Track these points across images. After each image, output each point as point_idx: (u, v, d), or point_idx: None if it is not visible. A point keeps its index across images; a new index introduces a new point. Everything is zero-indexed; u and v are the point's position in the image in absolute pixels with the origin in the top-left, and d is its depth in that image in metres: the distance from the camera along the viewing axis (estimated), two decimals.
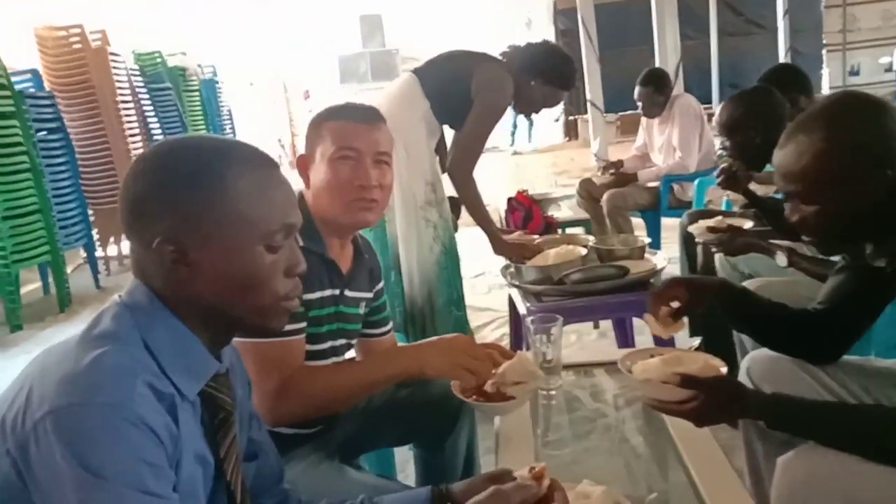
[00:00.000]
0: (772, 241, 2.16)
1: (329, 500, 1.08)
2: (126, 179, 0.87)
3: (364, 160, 1.40)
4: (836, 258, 1.45)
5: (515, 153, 12.21)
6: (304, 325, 1.35)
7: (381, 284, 1.61)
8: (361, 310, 1.53)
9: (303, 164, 1.46)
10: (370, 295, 1.56)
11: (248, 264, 0.87)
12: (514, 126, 12.91)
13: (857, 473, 1.09)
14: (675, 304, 1.38)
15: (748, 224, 2.44)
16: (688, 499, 1.18)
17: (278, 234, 0.88)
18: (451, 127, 2.56)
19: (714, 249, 2.39)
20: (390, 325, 1.66)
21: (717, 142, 4.36)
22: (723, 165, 2.55)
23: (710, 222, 2.36)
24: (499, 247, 2.47)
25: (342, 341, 1.49)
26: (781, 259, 2.04)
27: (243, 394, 1.02)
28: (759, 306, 1.43)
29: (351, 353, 1.61)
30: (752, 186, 2.55)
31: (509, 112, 2.65)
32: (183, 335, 0.86)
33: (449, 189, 2.54)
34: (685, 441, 1.29)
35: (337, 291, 1.44)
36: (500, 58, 2.56)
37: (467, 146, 2.47)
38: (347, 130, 1.41)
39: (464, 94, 2.43)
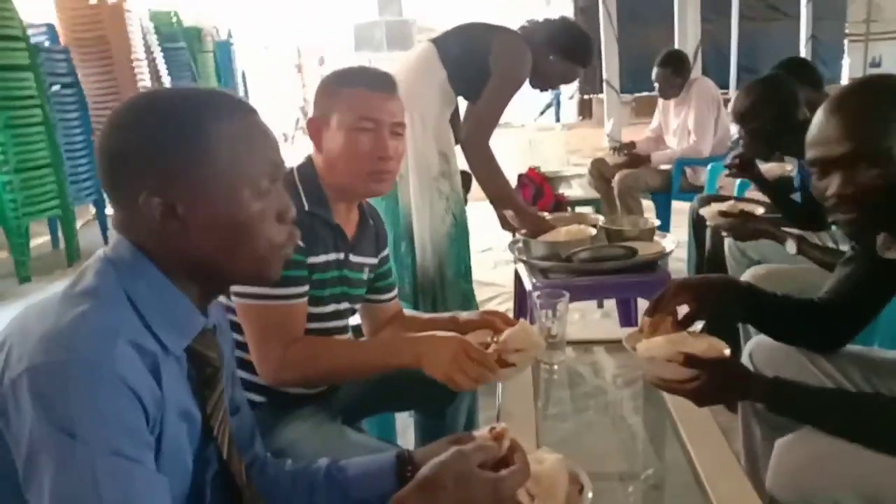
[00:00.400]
0: (783, 228, 2.16)
1: (295, 464, 1.08)
2: (104, 133, 0.84)
3: (383, 131, 1.39)
4: (845, 248, 1.44)
5: (522, 125, 12.12)
6: (306, 288, 1.36)
7: (386, 251, 1.62)
8: (365, 275, 1.54)
9: (315, 128, 1.44)
10: (375, 261, 1.56)
11: (238, 212, 0.85)
12: (550, 104, 12.81)
13: (855, 458, 1.10)
14: (683, 309, 1.35)
15: (760, 210, 2.43)
16: (683, 476, 1.20)
17: (264, 179, 0.87)
18: (466, 98, 2.54)
19: (724, 234, 2.39)
20: (395, 291, 1.66)
21: (734, 128, 4.35)
22: (733, 153, 2.54)
23: (723, 206, 2.36)
24: (518, 218, 2.43)
25: (346, 305, 1.50)
26: (791, 246, 2.04)
27: (229, 353, 1.02)
28: (764, 300, 1.42)
29: (355, 319, 1.62)
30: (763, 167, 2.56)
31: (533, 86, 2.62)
32: (168, 290, 0.85)
33: (460, 163, 2.53)
34: (684, 420, 1.30)
35: (341, 256, 1.45)
36: (517, 31, 2.54)
37: (483, 118, 2.44)
38: (367, 100, 1.39)
39: (481, 64, 2.40)
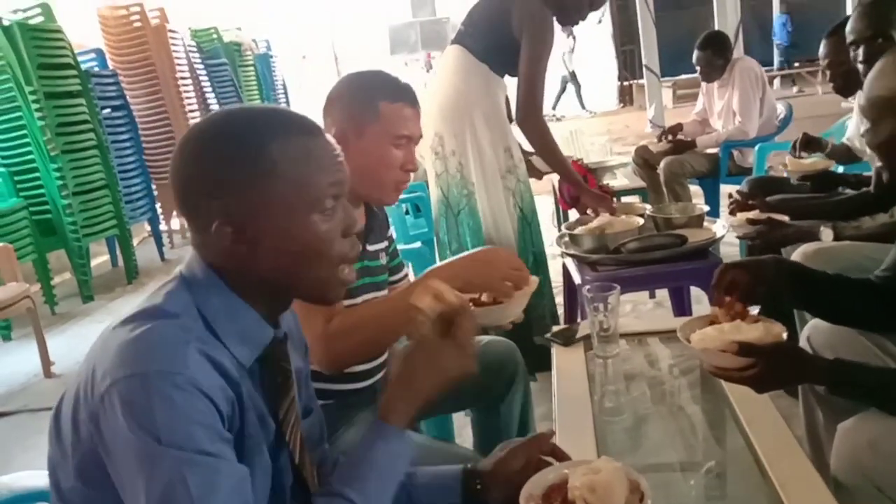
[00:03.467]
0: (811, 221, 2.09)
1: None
2: (173, 162, 0.88)
3: (412, 146, 1.46)
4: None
5: (557, 119, 11.83)
6: None
7: (391, 230, 1.66)
8: (383, 260, 1.57)
9: (343, 134, 1.40)
10: (386, 243, 1.60)
11: (305, 234, 0.87)
12: (563, 90, 12.51)
13: None
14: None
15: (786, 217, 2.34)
16: (745, 466, 1.18)
17: (329, 199, 0.88)
18: (513, 76, 2.51)
19: (749, 244, 2.31)
20: (405, 269, 1.71)
21: (780, 106, 4.25)
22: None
23: (750, 215, 2.26)
24: (583, 195, 2.49)
25: (373, 294, 1.51)
26: (827, 234, 1.99)
27: (299, 358, 1.05)
28: (816, 280, 1.38)
29: None
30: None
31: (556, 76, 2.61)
32: (237, 306, 0.88)
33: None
34: (743, 407, 1.28)
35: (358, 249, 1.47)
36: None
37: (527, 90, 2.42)
38: (406, 117, 1.44)
39: (511, 38, 2.39)
